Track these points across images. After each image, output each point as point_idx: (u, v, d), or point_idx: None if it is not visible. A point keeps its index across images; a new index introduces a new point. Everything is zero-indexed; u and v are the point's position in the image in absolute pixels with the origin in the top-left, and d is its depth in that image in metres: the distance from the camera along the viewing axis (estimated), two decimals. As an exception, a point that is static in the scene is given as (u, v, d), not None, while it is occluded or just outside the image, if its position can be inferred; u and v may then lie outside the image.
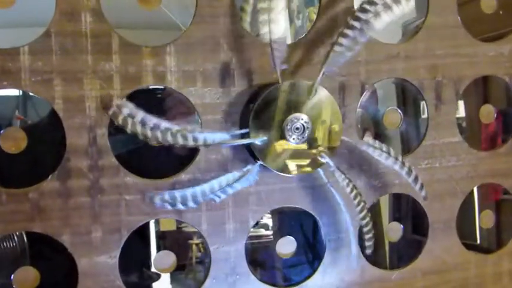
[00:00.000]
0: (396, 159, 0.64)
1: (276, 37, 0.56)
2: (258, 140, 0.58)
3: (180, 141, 0.55)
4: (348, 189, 0.62)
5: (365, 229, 0.64)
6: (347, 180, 0.62)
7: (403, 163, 0.64)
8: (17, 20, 0.61)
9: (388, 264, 0.81)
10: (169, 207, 0.57)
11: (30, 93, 0.57)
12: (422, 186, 0.66)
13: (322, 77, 0.59)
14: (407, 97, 0.88)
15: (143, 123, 0.54)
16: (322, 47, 0.65)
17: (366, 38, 0.57)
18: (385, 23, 0.56)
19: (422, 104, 0.80)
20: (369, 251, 0.66)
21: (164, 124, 0.55)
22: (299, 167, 0.60)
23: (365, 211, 0.63)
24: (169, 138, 0.54)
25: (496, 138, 0.92)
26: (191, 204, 0.57)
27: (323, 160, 0.60)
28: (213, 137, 0.56)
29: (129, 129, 0.54)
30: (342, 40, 0.57)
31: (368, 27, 0.56)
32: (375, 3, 0.55)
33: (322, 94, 0.60)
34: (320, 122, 0.60)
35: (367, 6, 0.56)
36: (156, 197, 0.57)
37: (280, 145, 0.59)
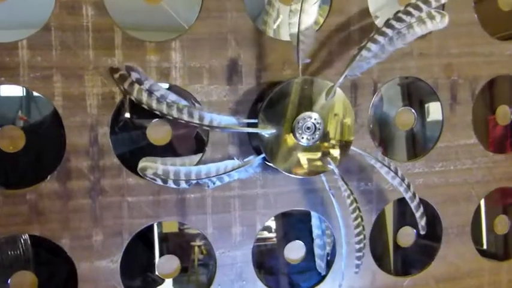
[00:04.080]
0: (402, 180, 0.61)
1: (304, 28, 0.54)
2: (266, 131, 0.55)
3: (186, 117, 0.52)
4: (348, 201, 0.59)
5: (357, 246, 0.61)
6: (348, 192, 0.59)
7: (408, 186, 0.61)
8: (12, 17, 0.59)
9: (393, 271, 0.78)
10: (160, 182, 0.54)
11: (34, 94, 0.55)
12: (422, 215, 0.63)
13: (344, 79, 0.57)
14: (414, 98, 0.86)
15: (150, 92, 0.52)
16: (331, 46, 0.62)
17: (394, 48, 0.56)
18: (416, 36, 0.55)
19: (427, 106, 0.78)
20: (356, 270, 0.63)
21: (172, 97, 0.52)
22: (307, 168, 0.58)
23: (361, 227, 0.60)
24: (174, 113, 0.52)
25: (504, 141, 0.89)
26: (183, 183, 0.54)
27: (329, 166, 0.58)
28: (219, 118, 0.54)
29: (134, 96, 0.51)
30: (371, 45, 0.55)
31: (399, 37, 0.55)
32: (411, 15, 0.54)
33: (342, 101, 0.58)
34: (333, 117, 0.57)
35: (403, 16, 0.54)
36: (149, 169, 0.54)
37: (289, 144, 0.56)
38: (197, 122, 0.52)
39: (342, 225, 0.60)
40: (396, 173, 0.61)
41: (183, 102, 0.53)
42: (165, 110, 0.52)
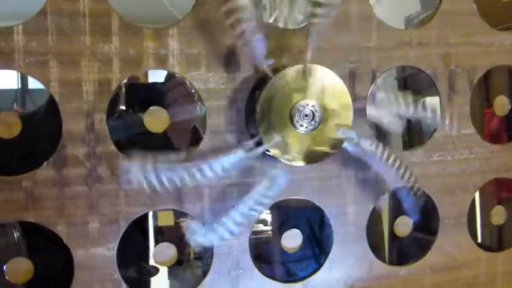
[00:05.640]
0: (398, 168, 0.60)
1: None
2: (272, 143, 0.55)
3: (199, 176, 0.52)
4: (381, 154, 0.58)
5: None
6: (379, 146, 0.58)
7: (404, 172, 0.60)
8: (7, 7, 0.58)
9: (388, 261, 0.79)
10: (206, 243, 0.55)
11: (29, 87, 0.54)
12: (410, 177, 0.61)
13: (312, 54, 0.56)
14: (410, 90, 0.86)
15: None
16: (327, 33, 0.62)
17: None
18: None
19: (423, 100, 0.78)
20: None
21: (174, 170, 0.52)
22: (305, 157, 0.57)
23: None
24: (187, 179, 0.52)
25: (499, 134, 0.90)
26: (236, 230, 0.55)
27: (343, 136, 0.57)
28: (228, 160, 0.53)
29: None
30: (316, 10, 0.53)
31: None
32: None
33: (323, 74, 0.57)
34: (330, 101, 0.56)
35: None
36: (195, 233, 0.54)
37: (288, 133, 0.56)
38: (210, 175, 0.53)
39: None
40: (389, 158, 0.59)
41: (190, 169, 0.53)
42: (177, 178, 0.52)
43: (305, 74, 0.56)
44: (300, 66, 0.56)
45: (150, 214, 0.78)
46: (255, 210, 0.55)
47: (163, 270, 0.77)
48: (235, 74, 0.59)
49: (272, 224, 0.79)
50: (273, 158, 0.57)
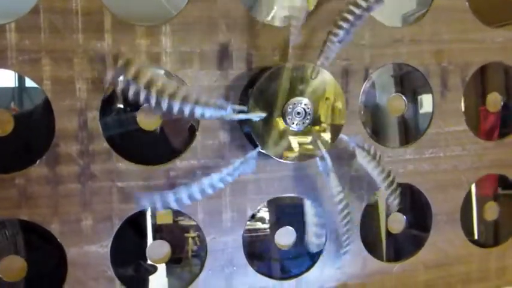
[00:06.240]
0: (383, 170, 0.60)
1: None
2: (256, 115, 0.55)
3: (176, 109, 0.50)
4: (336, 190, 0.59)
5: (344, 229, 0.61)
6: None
7: (388, 174, 0.61)
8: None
9: (385, 258, 0.79)
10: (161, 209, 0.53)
11: (26, 85, 0.54)
12: (395, 199, 0.62)
13: (325, 61, 0.56)
14: (406, 88, 0.86)
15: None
16: (322, 30, 0.62)
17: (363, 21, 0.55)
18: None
19: (420, 98, 0.78)
20: (346, 256, 0.63)
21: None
22: (297, 153, 0.58)
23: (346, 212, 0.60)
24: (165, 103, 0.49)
25: (494, 131, 0.90)
26: (187, 202, 0.53)
27: (319, 152, 0.58)
28: (209, 112, 0.52)
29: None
30: (342, 23, 0.55)
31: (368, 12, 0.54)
32: None
33: (324, 76, 0.57)
34: (323, 101, 0.57)
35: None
36: (144, 199, 0.52)
37: (279, 130, 0.56)
38: (188, 115, 0.51)
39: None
40: (376, 158, 0.60)
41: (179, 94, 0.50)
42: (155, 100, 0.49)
43: (300, 72, 0.56)
44: (295, 64, 0.56)
45: (148, 212, 0.78)
46: (214, 187, 0.53)
47: (162, 269, 0.77)
48: (228, 71, 0.59)
49: (268, 220, 0.79)
50: (265, 155, 0.58)
